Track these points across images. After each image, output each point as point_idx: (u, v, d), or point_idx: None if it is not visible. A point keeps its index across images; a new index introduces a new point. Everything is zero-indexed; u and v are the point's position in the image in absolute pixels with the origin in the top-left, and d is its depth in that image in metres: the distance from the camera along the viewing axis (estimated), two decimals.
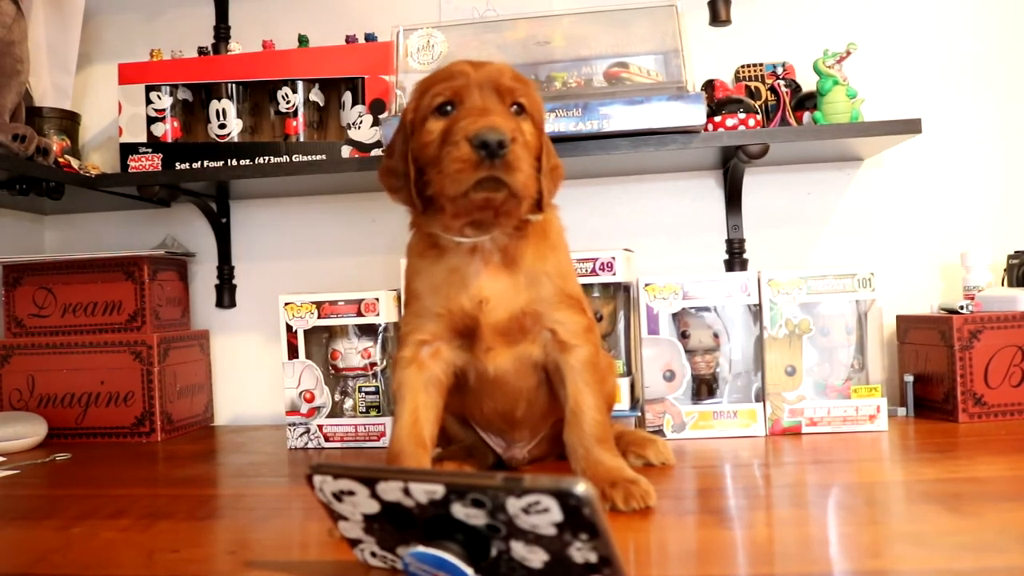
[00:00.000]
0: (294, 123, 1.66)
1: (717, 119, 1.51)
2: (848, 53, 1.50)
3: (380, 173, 1.10)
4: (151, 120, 1.67)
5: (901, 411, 1.54)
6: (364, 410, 1.53)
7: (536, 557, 0.67)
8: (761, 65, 1.68)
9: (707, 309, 1.52)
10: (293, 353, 1.52)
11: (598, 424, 1.06)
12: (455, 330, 1.08)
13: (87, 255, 1.72)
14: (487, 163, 0.93)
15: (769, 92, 1.64)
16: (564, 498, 0.62)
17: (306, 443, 1.52)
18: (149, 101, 1.67)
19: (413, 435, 1.05)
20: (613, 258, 1.44)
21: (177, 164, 1.64)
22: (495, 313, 1.06)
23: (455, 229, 1.05)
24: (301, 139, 1.65)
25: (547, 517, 0.63)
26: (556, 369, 1.09)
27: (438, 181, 0.98)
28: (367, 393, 1.53)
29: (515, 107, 1.02)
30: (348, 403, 1.56)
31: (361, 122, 1.61)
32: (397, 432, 1.05)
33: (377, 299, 1.50)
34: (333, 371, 1.56)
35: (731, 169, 1.67)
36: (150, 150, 1.66)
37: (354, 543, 0.79)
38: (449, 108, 1.01)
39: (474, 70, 1.01)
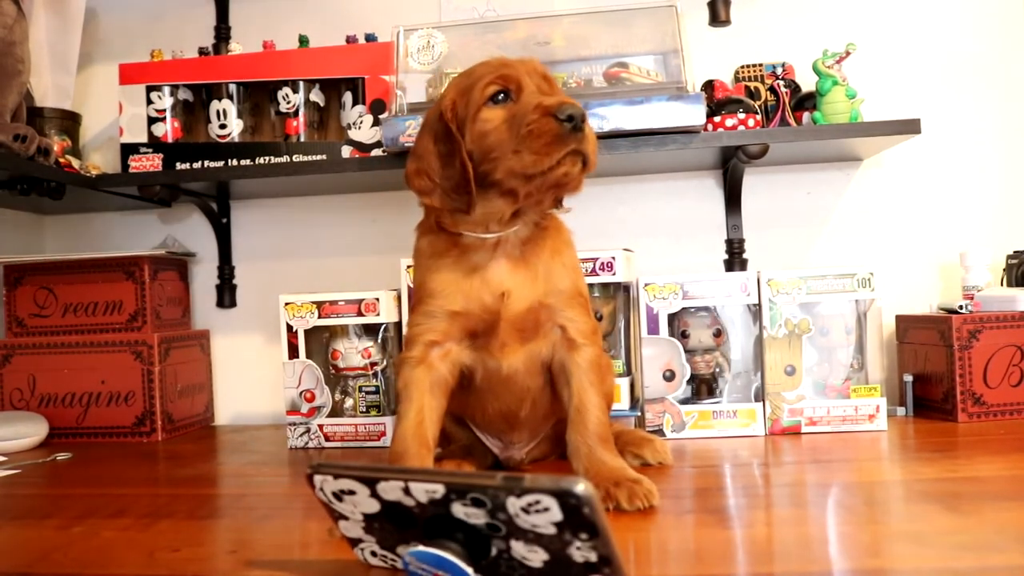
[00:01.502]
0: (294, 123, 1.66)
1: (717, 119, 1.51)
2: (847, 53, 1.51)
3: (410, 175, 1.08)
4: (152, 120, 1.67)
5: (900, 411, 1.54)
6: (364, 410, 1.54)
7: (536, 556, 0.67)
8: (761, 65, 1.68)
9: (707, 309, 1.52)
10: (293, 353, 1.52)
11: (602, 424, 1.07)
12: (470, 329, 1.08)
13: (88, 255, 1.72)
14: (572, 136, 0.97)
15: (769, 92, 1.64)
16: (564, 497, 0.62)
17: (306, 443, 1.52)
18: (150, 101, 1.68)
19: (418, 436, 1.05)
20: (613, 258, 1.44)
21: (178, 164, 1.65)
22: (515, 306, 1.07)
23: (491, 221, 1.06)
24: (301, 139, 1.65)
25: (547, 516, 0.64)
26: (561, 368, 1.10)
27: (516, 161, 0.99)
28: (367, 393, 1.54)
29: None
30: (348, 403, 1.56)
31: (361, 122, 1.62)
32: (402, 432, 1.06)
33: (377, 299, 1.50)
34: (333, 371, 1.56)
35: (731, 169, 1.67)
36: (151, 150, 1.66)
37: (354, 542, 0.79)
38: (502, 96, 1.03)
39: (519, 62, 1.05)
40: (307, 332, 1.52)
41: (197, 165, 1.64)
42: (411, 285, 1.49)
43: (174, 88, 1.68)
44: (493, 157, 1.02)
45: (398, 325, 1.53)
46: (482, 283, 1.07)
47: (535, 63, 1.06)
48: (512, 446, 1.23)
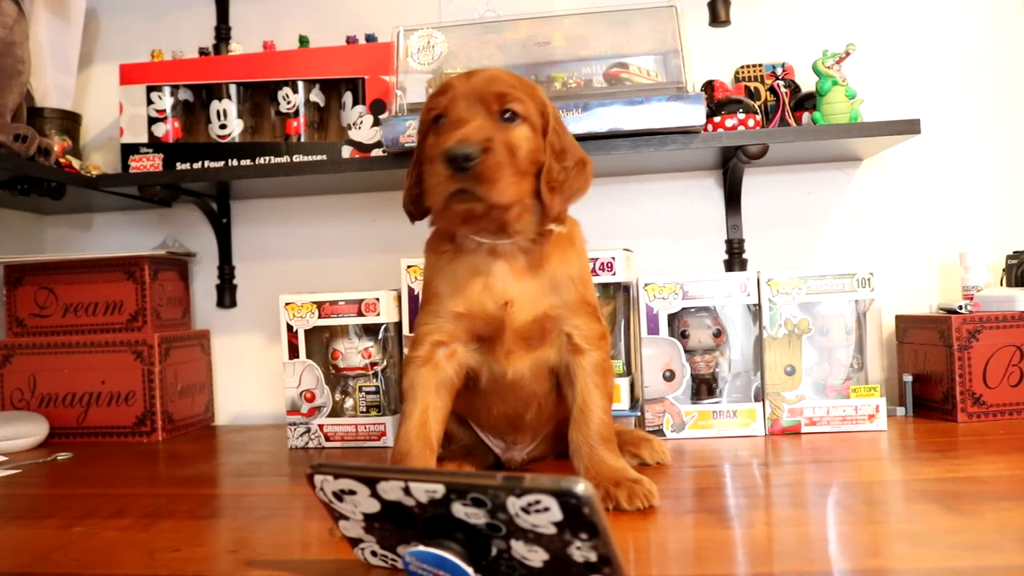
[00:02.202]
0: (295, 123, 1.66)
1: (717, 119, 1.51)
2: (847, 54, 1.51)
3: (403, 198, 1.12)
4: (152, 120, 1.67)
5: (900, 411, 1.54)
6: (364, 410, 1.54)
7: (536, 556, 0.67)
8: (760, 66, 1.68)
9: (707, 309, 1.52)
10: (294, 353, 1.52)
11: (604, 424, 1.07)
12: (474, 332, 1.08)
13: (88, 255, 1.72)
14: (458, 177, 0.95)
15: (768, 92, 1.64)
16: (564, 497, 0.62)
17: (307, 443, 1.52)
18: (150, 101, 1.68)
19: (422, 436, 1.05)
20: (613, 258, 1.44)
21: (178, 164, 1.65)
22: (519, 316, 1.07)
23: (464, 235, 1.07)
24: (302, 139, 1.66)
25: (547, 516, 0.64)
26: (567, 370, 1.10)
27: (425, 193, 1.01)
28: (368, 393, 1.54)
29: (508, 113, 1.01)
30: (348, 403, 1.56)
31: (361, 122, 1.62)
32: (405, 432, 1.05)
33: (377, 299, 1.50)
34: (334, 371, 1.56)
35: (731, 169, 1.67)
36: (151, 150, 1.66)
37: (355, 542, 0.79)
38: (442, 120, 1.02)
39: (462, 82, 1.02)
40: (307, 332, 1.52)
41: (197, 165, 1.64)
42: (411, 285, 1.49)
43: (174, 88, 1.68)
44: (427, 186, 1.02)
45: (398, 325, 1.54)
46: (484, 289, 1.07)
47: (488, 80, 1.02)
48: (515, 447, 1.23)
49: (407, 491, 0.68)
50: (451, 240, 1.10)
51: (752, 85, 1.65)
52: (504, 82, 1.02)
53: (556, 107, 1.10)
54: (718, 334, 1.52)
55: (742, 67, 1.70)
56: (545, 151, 1.04)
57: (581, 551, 0.65)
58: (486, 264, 1.07)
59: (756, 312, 1.46)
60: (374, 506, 0.72)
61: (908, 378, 1.54)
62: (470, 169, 0.94)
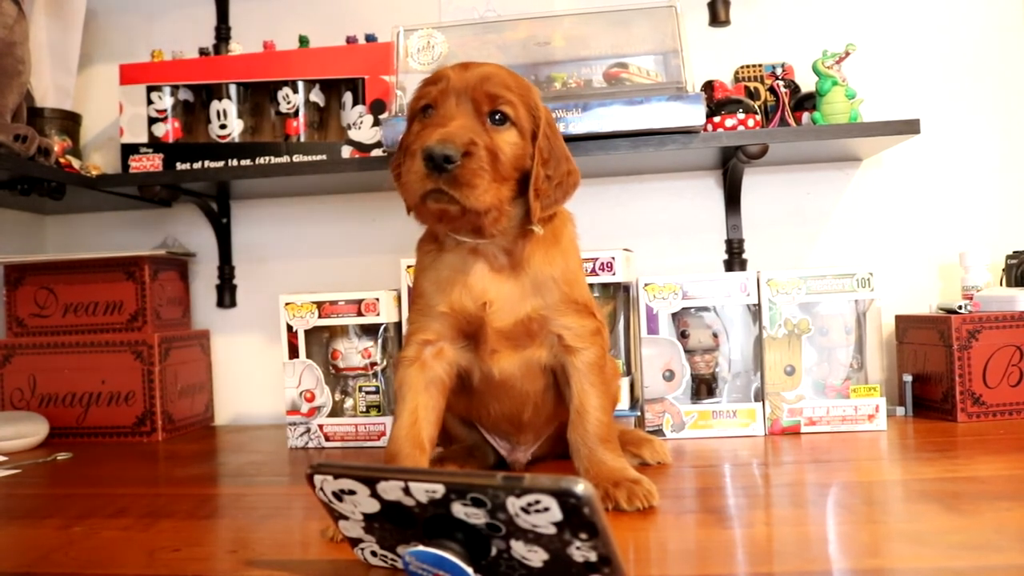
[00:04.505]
0: (295, 123, 1.66)
1: (716, 119, 1.51)
2: (847, 54, 1.51)
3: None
4: (152, 120, 1.67)
5: (900, 411, 1.54)
6: (364, 410, 1.54)
7: (536, 556, 0.67)
8: (760, 66, 1.69)
9: (706, 309, 1.52)
10: (294, 353, 1.52)
11: (602, 424, 1.07)
12: (459, 330, 1.08)
13: (88, 255, 1.72)
14: (434, 176, 0.93)
15: (768, 92, 1.64)
16: (564, 497, 0.62)
17: (306, 442, 1.52)
18: (150, 101, 1.68)
19: (411, 436, 1.04)
20: (613, 258, 1.44)
21: (178, 164, 1.65)
22: (500, 318, 1.06)
23: (444, 234, 1.06)
24: (301, 139, 1.66)
25: (547, 516, 0.64)
26: (562, 370, 1.10)
27: (401, 186, 1.00)
28: (367, 393, 1.54)
29: (498, 116, 1.00)
30: (348, 403, 1.56)
31: (361, 122, 1.62)
32: (395, 433, 1.05)
33: (377, 299, 1.50)
34: (333, 371, 1.56)
35: (730, 169, 1.67)
36: (151, 150, 1.66)
37: (355, 542, 0.79)
38: (430, 111, 1.01)
39: (457, 74, 1.00)
40: (307, 332, 1.52)
41: (197, 165, 1.64)
42: (410, 285, 1.49)
43: (174, 88, 1.68)
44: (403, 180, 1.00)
45: (398, 325, 1.54)
46: (463, 288, 1.06)
47: (483, 78, 0.99)
48: (518, 447, 1.23)
49: (407, 491, 0.68)
50: (435, 239, 1.10)
51: (752, 85, 1.65)
52: (499, 82, 1.00)
53: (551, 110, 1.07)
54: (718, 334, 1.52)
55: (742, 67, 1.70)
56: (533, 157, 1.02)
57: (581, 551, 0.65)
58: (466, 263, 1.06)
59: (756, 312, 1.46)
60: (374, 506, 0.72)
61: (908, 378, 1.54)
62: (449, 171, 0.93)
